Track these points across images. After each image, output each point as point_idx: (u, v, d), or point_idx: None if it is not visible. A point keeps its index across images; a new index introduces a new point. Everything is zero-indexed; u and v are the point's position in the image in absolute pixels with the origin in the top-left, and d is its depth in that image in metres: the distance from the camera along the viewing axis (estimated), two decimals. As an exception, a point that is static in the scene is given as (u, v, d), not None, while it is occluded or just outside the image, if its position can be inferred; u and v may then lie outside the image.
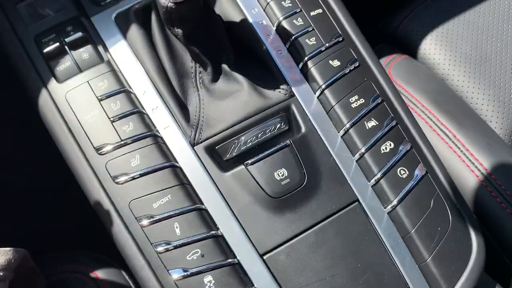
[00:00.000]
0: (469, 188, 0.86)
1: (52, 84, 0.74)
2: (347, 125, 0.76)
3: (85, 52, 0.76)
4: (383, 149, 0.76)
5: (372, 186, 0.75)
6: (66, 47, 0.76)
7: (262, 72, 0.80)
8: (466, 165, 0.85)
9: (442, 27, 1.05)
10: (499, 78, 1.00)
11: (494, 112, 0.98)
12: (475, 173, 0.86)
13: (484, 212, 0.87)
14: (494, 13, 1.07)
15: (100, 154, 0.71)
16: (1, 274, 0.59)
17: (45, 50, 0.75)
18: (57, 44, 0.75)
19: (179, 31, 0.73)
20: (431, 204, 0.75)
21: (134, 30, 0.78)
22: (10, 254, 0.61)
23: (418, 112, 0.90)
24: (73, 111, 0.73)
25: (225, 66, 0.78)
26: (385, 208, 0.75)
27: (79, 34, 0.76)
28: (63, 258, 0.81)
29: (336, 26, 0.83)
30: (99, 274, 0.80)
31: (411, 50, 1.06)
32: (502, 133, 0.95)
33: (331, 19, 0.83)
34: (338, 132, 0.77)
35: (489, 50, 1.03)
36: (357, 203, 0.74)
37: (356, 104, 0.77)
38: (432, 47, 1.04)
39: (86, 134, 0.72)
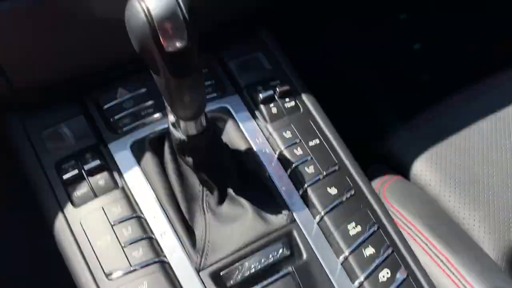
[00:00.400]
0: (467, 316, 0.87)
1: (69, 208, 0.79)
2: (346, 253, 0.80)
3: (101, 179, 0.82)
4: (381, 278, 0.79)
5: (372, 315, 0.77)
6: (84, 174, 0.82)
7: (266, 196, 0.86)
8: (463, 292, 0.87)
9: (430, 150, 1.12)
10: (487, 200, 1.06)
11: (485, 234, 1.02)
12: (472, 301, 0.87)
13: None
14: (479, 136, 1.15)
15: (110, 280, 0.74)
16: None
17: (64, 177, 0.81)
18: (76, 171, 0.81)
19: (189, 160, 0.80)
20: None
21: (148, 159, 0.84)
22: None
23: (413, 236, 0.94)
24: (86, 236, 0.76)
25: (230, 190, 0.84)
26: None
27: (96, 163, 0.82)
28: None
29: (332, 155, 0.90)
30: None
31: (403, 170, 1.13)
32: (494, 256, 0.98)
33: (328, 148, 0.91)
34: (338, 259, 0.80)
35: (477, 172, 1.09)
36: None
37: (354, 231, 0.82)
38: (423, 168, 1.11)
39: (98, 259, 0.75)
